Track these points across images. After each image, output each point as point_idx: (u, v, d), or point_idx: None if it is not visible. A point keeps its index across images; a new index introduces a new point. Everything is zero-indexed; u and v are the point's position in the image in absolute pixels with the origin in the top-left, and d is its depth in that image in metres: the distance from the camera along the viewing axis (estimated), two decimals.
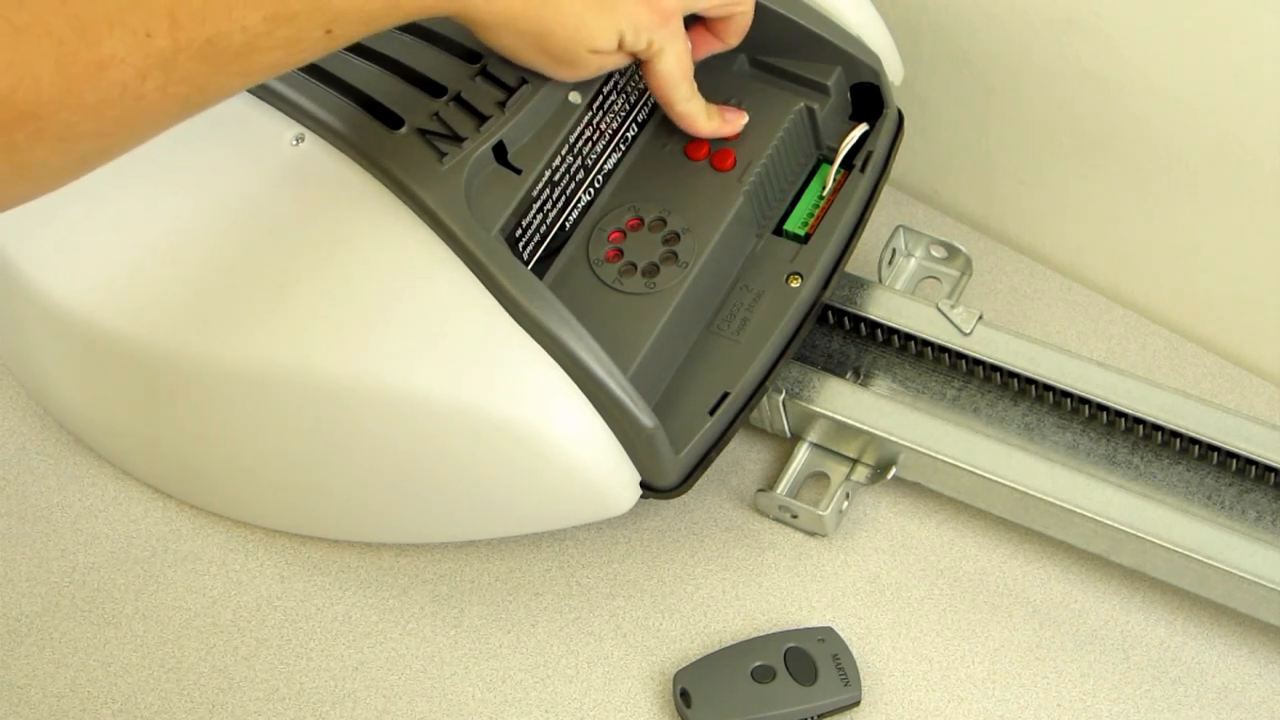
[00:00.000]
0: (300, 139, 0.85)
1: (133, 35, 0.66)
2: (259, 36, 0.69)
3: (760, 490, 0.91)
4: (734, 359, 0.87)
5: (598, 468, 0.82)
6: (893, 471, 0.89)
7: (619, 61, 0.83)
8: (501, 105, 0.85)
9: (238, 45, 0.68)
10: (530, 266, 0.85)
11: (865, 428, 0.88)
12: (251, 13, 0.68)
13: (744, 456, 0.94)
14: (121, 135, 0.69)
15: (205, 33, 0.67)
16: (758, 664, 0.86)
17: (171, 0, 0.67)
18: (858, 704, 0.85)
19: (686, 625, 0.89)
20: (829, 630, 0.87)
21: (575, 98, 0.86)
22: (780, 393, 0.90)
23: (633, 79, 0.89)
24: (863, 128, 0.91)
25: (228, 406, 0.86)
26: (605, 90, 0.88)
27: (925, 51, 0.99)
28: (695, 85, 0.86)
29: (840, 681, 0.85)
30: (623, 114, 0.89)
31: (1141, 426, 0.88)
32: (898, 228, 0.97)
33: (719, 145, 0.89)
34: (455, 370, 0.81)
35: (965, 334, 0.91)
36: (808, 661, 0.85)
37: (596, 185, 0.89)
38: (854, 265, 0.93)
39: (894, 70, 0.93)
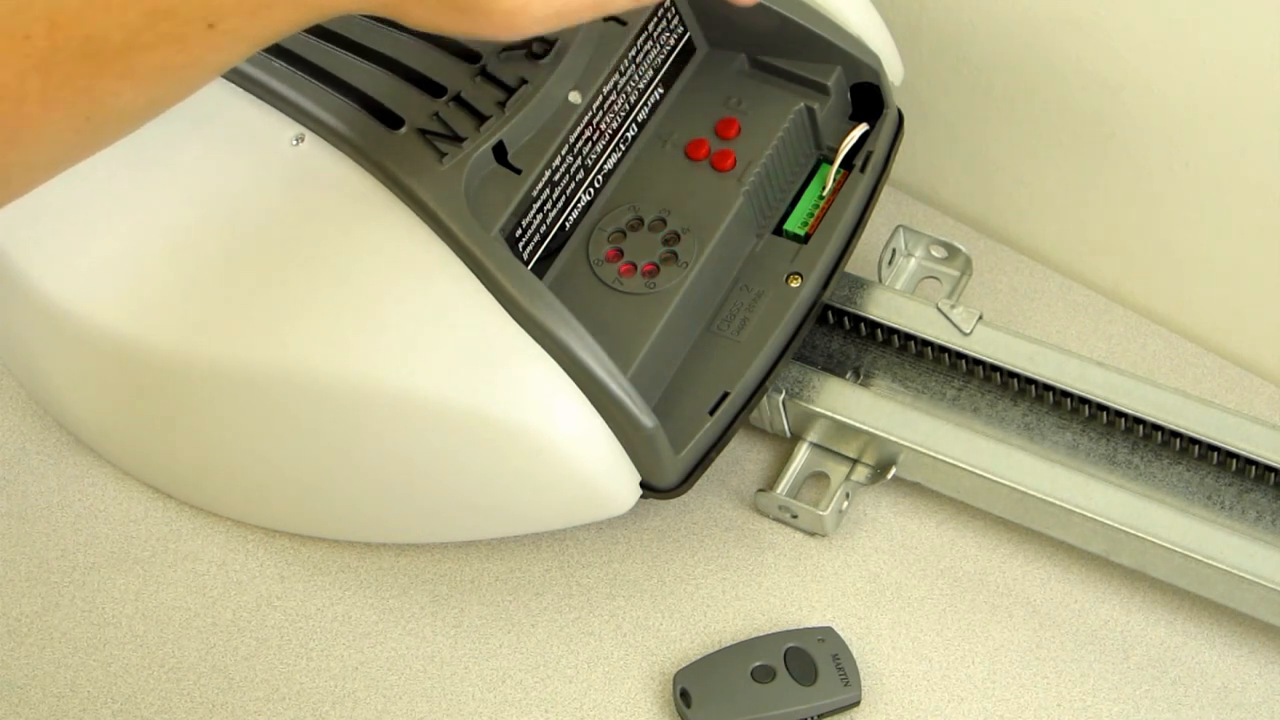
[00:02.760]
0: (300, 139, 0.85)
1: (9, 39, 0.66)
2: (138, 32, 0.67)
3: (760, 490, 0.91)
4: (734, 359, 0.87)
5: (598, 468, 0.83)
6: (893, 471, 0.89)
7: None
8: (501, 105, 0.85)
9: (117, 43, 0.67)
10: (530, 266, 0.85)
11: (865, 428, 0.88)
12: (130, 9, 0.67)
13: (744, 456, 0.94)
14: (6, 152, 0.68)
15: (83, 31, 0.66)
16: (758, 664, 0.86)
17: (51, 6, 0.66)
18: (858, 704, 0.85)
19: (686, 625, 0.89)
20: (829, 630, 0.87)
21: (575, 98, 0.86)
22: (780, 393, 0.90)
23: (632, 79, 0.89)
24: (863, 128, 0.91)
25: (228, 406, 0.86)
26: (605, 90, 0.88)
27: (925, 51, 1.00)
28: None
29: (840, 681, 0.85)
30: (623, 114, 0.89)
31: (1141, 426, 0.88)
32: (898, 228, 0.97)
33: (719, 145, 0.89)
34: (455, 370, 0.81)
35: (965, 334, 0.91)
36: (808, 661, 0.85)
37: (596, 185, 0.89)
38: (854, 265, 0.93)
39: (894, 70, 0.93)
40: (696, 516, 0.93)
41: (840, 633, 0.87)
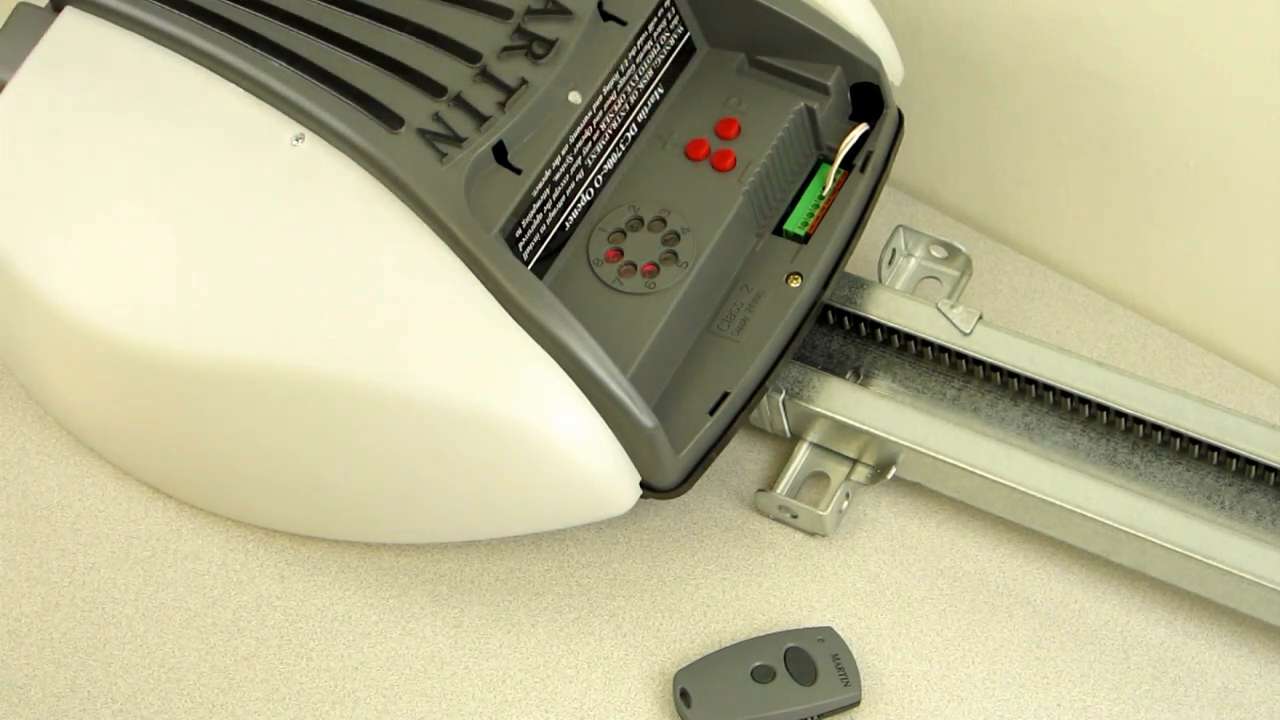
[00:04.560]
0: (300, 139, 0.85)
1: None
2: None
3: (760, 490, 0.91)
4: (734, 359, 0.87)
5: (598, 468, 0.82)
6: (893, 471, 0.89)
7: None
8: (501, 105, 0.85)
9: None
10: (530, 266, 0.85)
11: (865, 428, 0.88)
12: None
13: (744, 456, 0.94)
14: None
15: None
16: (758, 664, 0.86)
17: None
18: (858, 704, 0.85)
19: (686, 625, 0.89)
20: (829, 630, 0.87)
21: (575, 98, 0.86)
22: (780, 393, 0.90)
23: (632, 79, 0.89)
24: (863, 128, 0.91)
25: (227, 406, 0.86)
26: (605, 90, 0.88)
27: (925, 51, 0.99)
28: None
29: (840, 681, 0.85)
30: (623, 114, 0.89)
31: (1141, 426, 0.88)
32: (898, 228, 0.97)
33: (719, 145, 0.89)
34: (455, 370, 0.81)
35: (965, 334, 0.91)
36: (808, 661, 0.85)
37: (596, 185, 0.89)
38: (854, 265, 0.93)
39: (894, 70, 0.93)
40: (696, 516, 0.93)
41: (840, 633, 0.87)
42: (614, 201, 0.89)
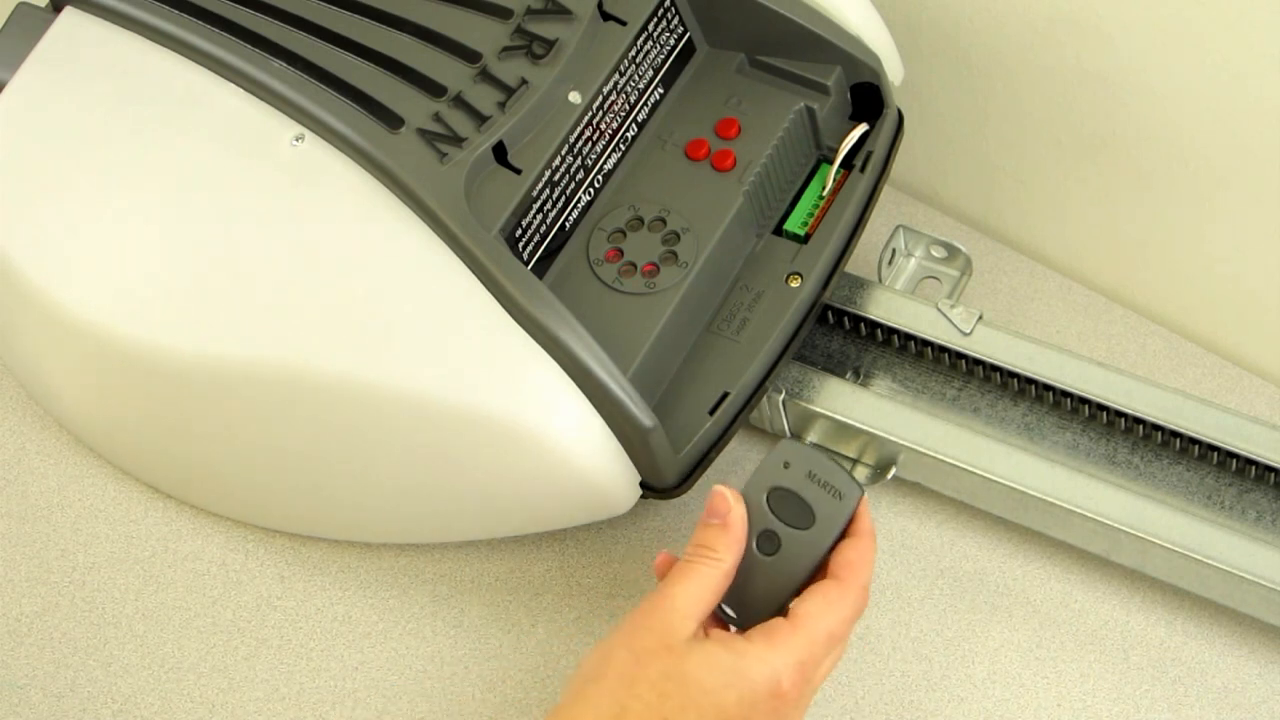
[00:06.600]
0: (300, 139, 0.85)
1: None
2: None
3: None
4: (734, 359, 0.87)
5: (598, 468, 0.82)
6: (893, 471, 0.89)
7: None
8: (501, 105, 0.85)
9: None
10: (530, 266, 0.85)
11: (865, 428, 0.88)
12: None
13: (744, 456, 0.94)
14: None
15: None
16: (762, 531, 0.79)
17: None
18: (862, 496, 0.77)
19: None
20: (793, 446, 0.79)
21: (575, 98, 0.86)
22: (780, 393, 0.90)
23: (632, 79, 0.89)
24: (863, 127, 0.91)
25: (227, 406, 0.86)
26: (605, 90, 0.88)
27: (925, 51, 0.99)
28: None
29: (834, 498, 0.78)
30: (623, 114, 0.89)
31: (1141, 426, 0.88)
32: (898, 228, 0.97)
33: (719, 145, 0.89)
34: (455, 370, 0.81)
35: (965, 334, 0.91)
36: (797, 501, 0.78)
37: (596, 185, 0.89)
38: (854, 265, 0.93)
39: (894, 70, 0.93)
40: (696, 516, 0.92)
41: None
42: (614, 201, 0.89)
